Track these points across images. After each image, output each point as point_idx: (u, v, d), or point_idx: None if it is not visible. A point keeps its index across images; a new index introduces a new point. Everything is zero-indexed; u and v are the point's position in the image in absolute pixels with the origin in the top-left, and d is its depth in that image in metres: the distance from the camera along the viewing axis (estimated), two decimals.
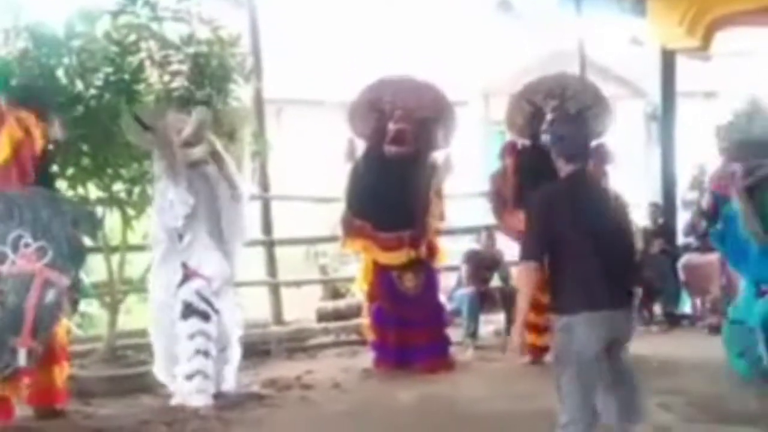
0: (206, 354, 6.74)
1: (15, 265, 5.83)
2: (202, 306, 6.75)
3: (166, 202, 6.74)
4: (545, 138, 7.69)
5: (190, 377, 6.72)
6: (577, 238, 4.43)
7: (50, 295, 5.89)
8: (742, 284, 7.37)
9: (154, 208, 6.96)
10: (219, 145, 7.03)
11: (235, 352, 7.15)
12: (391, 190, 7.77)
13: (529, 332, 8.01)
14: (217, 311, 6.84)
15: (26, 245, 5.82)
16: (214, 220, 6.90)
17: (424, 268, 7.99)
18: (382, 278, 7.93)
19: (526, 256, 4.52)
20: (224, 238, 6.95)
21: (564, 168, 4.68)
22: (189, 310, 6.73)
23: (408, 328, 7.84)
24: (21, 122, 6.23)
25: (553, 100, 8.06)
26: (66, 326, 6.84)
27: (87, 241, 6.74)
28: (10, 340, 5.80)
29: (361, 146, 8.05)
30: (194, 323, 6.72)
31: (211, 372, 6.76)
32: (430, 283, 8.03)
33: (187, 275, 6.79)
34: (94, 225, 6.74)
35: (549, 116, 7.88)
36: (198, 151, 6.82)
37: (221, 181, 6.95)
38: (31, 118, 6.33)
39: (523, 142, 8.19)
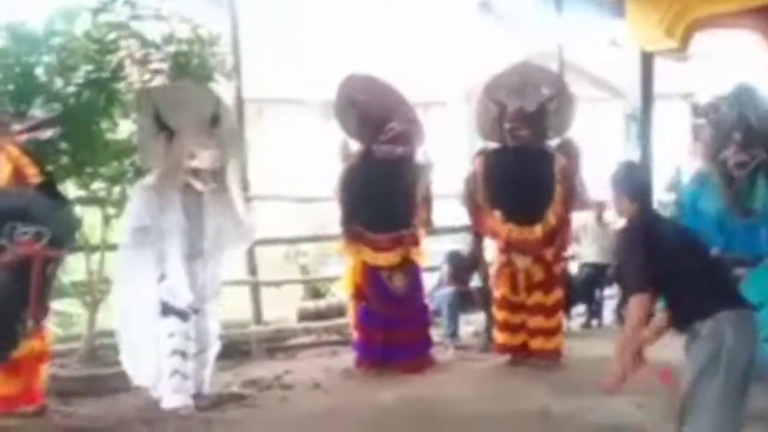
0: (183, 354, 6.69)
1: (13, 253, 5.91)
2: (179, 304, 6.72)
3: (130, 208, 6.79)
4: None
5: (168, 377, 6.68)
6: (683, 254, 4.48)
7: (50, 269, 6.09)
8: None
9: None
10: (232, 181, 7.00)
11: (212, 355, 7.12)
12: (386, 191, 7.79)
13: (502, 331, 8.10)
14: (196, 311, 6.82)
15: (23, 233, 5.91)
16: (195, 240, 6.79)
17: (413, 268, 8.00)
18: (371, 278, 7.91)
19: (637, 288, 4.41)
20: (204, 253, 6.84)
21: (629, 208, 4.68)
22: (167, 308, 6.69)
23: (395, 327, 7.82)
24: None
25: (516, 96, 7.99)
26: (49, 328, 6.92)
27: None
28: (21, 313, 6.00)
29: (352, 145, 8.02)
30: (173, 322, 6.67)
31: (189, 372, 6.72)
32: (417, 283, 8.06)
33: (164, 274, 6.78)
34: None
35: (507, 125, 7.88)
36: (202, 187, 6.72)
37: (222, 213, 6.88)
38: (22, 157, 6.45)
39: (493, 146, 8.16)
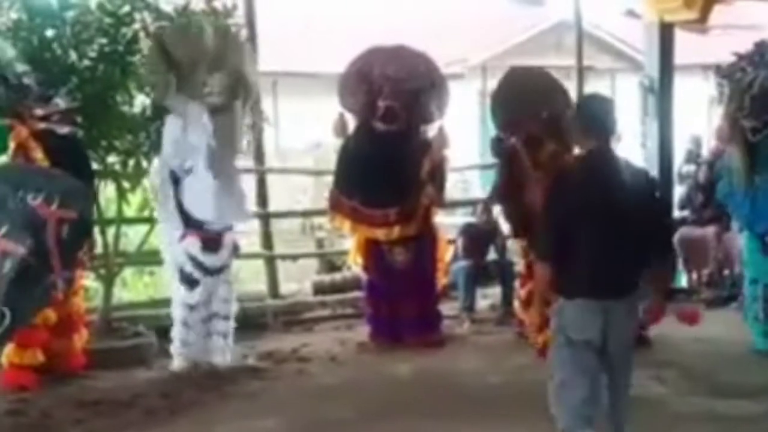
0: (184, 323, 6.92)
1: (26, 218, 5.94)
2: (189, 269, 6.82)
3: (172, 140, 6.77)
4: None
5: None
6: (581, 223, 4.23)
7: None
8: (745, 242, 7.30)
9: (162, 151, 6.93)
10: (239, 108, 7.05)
11: (228, 325, 7.18)
12: (379, 167, 7.57)
13: (526, 308, 8.00)
14: (209, 271, 6.88)
15: (34, 198, 5.93)
16: (219, 161, 6.83)
17: (416, 242, 7.84)
18: (372, 252, 7.87)
19: (540, 255, 4.45)
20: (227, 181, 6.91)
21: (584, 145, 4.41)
22: (182, 276, 6.83)
23: (398, 301, 7.77)
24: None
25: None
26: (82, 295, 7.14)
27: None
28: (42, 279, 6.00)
29: (351, 121, 7.89)
30: (180, 291, 6.87)
31: (191, 339, 6.93)
32: (421, 257, 7.88)
33: (185, 234, 6.82)
34: (86, 198, 6.65)
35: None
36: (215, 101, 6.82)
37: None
38: (30, 140, 6.48)
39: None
